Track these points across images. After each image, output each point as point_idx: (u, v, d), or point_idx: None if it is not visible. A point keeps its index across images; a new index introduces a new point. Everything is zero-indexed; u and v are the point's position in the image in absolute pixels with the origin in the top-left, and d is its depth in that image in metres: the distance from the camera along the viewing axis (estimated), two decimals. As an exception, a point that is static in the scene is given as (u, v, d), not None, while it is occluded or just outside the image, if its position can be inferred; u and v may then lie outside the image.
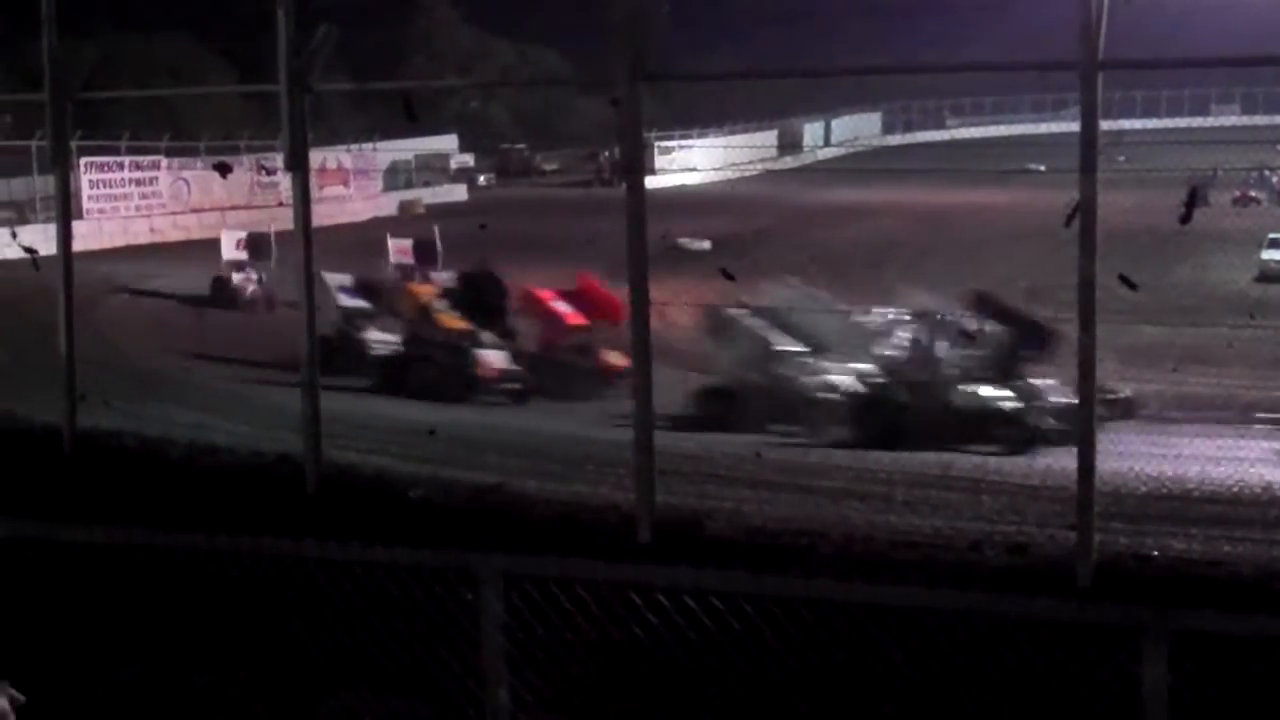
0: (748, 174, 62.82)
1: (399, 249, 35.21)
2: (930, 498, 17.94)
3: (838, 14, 62.29)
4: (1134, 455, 20.74)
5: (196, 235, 47.28)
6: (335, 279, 31.59)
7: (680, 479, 15.82)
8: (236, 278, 38.78)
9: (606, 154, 58.25)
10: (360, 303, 32.26)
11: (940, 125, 77.89)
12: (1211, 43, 52.48)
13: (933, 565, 10.21)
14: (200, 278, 38.97)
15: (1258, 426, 25.13)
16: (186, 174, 51.35)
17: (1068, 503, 11.03)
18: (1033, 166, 49.93)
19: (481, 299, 31.25)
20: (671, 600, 6.11)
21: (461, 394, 28.43)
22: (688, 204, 45.53)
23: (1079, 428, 10.12)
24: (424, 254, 34.77)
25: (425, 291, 32.37)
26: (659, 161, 57.64)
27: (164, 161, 51.32)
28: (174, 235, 48.82)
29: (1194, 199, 44.03)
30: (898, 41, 54.31)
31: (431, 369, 29.25)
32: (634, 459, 11.01)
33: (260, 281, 38.08)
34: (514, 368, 29.64)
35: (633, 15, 11.08)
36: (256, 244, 38.67)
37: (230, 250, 39.36)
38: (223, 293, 38.44)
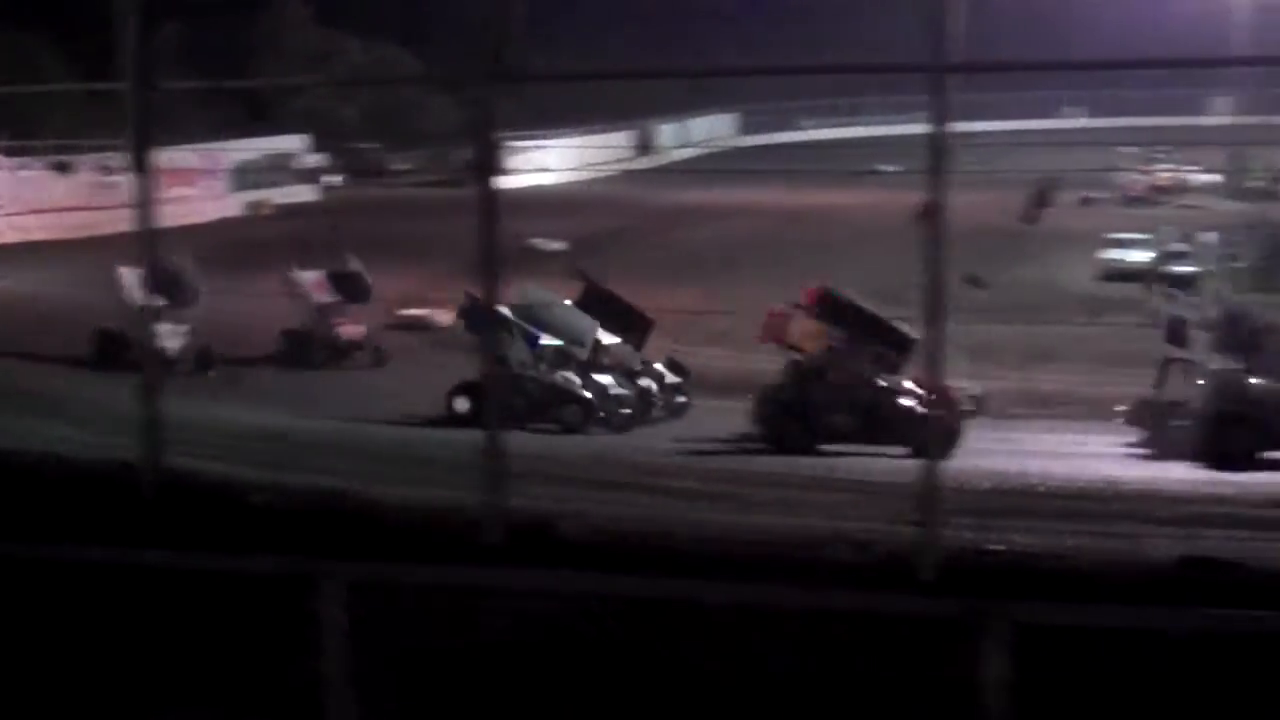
0: (604, 174, 62.85)
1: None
2: (781, 497, 18.10)
3: (698, 15, 62.68)
4: (981, 452, 21.15)
5: (37, 237, 46.01)
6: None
7: (530, 481, 15.74)
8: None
9: (459, 154, 57.79)
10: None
11: (796, 127, 78.61)
12: (1061, 47, 53.67)
13: (781, 564, 10.25)
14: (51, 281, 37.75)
15: (1100, 422, 25.75)
16: (25, 173, 49.83)
17: (916, 499, 11.16)
18: (884, 168, 50.63)
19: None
20: (522, 603, 6.04)
21: None
22: (543, 204, 45.41)
23: (926, 425, 10.23)
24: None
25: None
26: (513, 161, 57.30)
27: (2, 160, 49.77)
28: (11, 237, 47.35)
29: (1039, 200, 45.32)
30: (757, 43, 54.73)
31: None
32: (483, 461, 10.89)
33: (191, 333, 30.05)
34: None
35: (486, 13, 10.97)
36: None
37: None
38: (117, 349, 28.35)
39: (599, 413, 27.05)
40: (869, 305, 26.50)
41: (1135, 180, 57.04)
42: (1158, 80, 71.00)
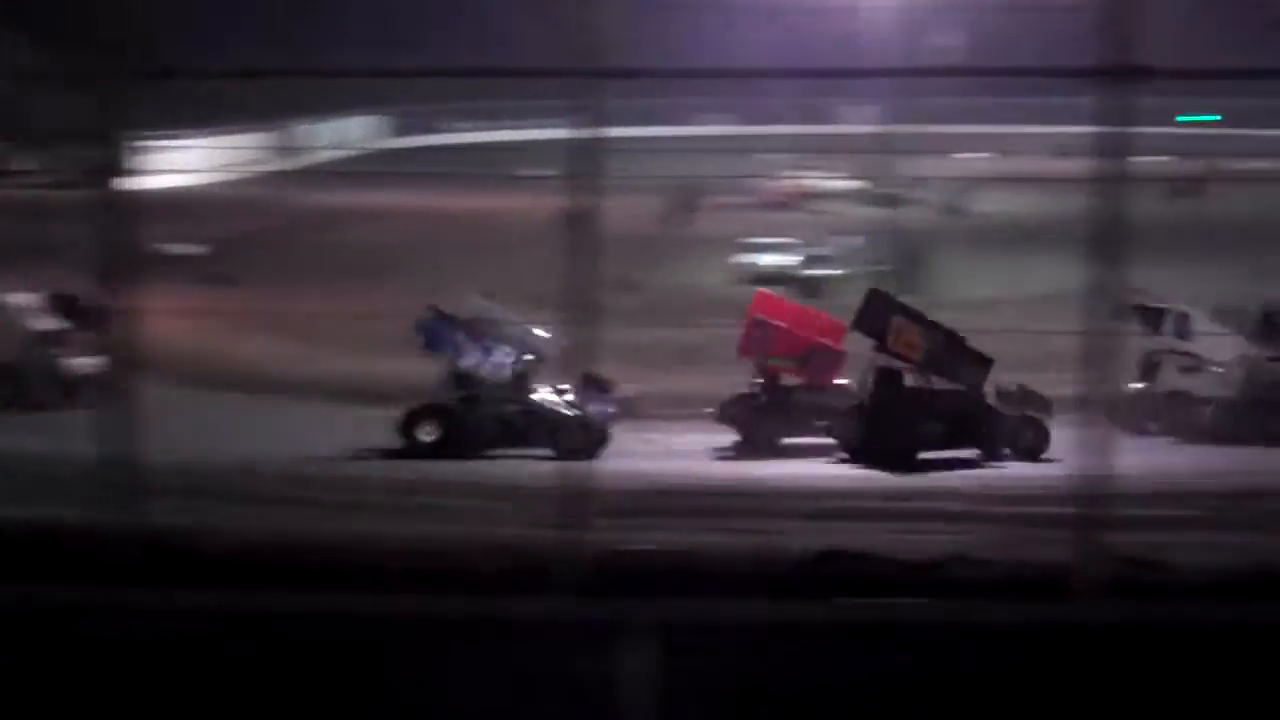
0: (247, 176, 61.04)
1: None
2: (432, 504, 17.95)
3: (348, 14, 61.61)
4: (629, 453, 21.51)
5: None
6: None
7: (172, 496, 15.11)
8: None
9: (90, 154, 54.98)
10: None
11: (448, 129, 78.18)
12: (708, 55, 55.01)
13: (438, 573, 10.14)
14: None
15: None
16: None
17: (571, 503, 11.20)
18: (536, 171, 50.84)
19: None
20: (160, 621, 5.77)
21: None
22: (180, 207, 43.72)
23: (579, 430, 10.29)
24: None
25: None
26: (149, 162, 55.03)
27: None
28: None
29: (685, 204, 46.47)
30: (408, 44, 54.12)
31: None
32: (122, 474, 10.37)
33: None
34: None
35: (119, 7, 10.44)
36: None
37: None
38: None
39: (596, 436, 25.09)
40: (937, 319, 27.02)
41: (775, 186, 59.02)
42: (800, 89, 73.91)
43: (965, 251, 44.65)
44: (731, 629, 6.60)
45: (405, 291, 33.08)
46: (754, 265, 43.26)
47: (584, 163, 9.82)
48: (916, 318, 26.77)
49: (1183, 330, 27.63)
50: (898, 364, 26.40)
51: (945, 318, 33.96)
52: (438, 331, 26.22)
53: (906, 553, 9.09)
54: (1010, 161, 61.78)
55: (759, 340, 27.62)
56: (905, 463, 24.34)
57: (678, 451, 23.70)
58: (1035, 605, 6.85)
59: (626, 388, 26.30)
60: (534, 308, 26.22)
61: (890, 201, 53.53)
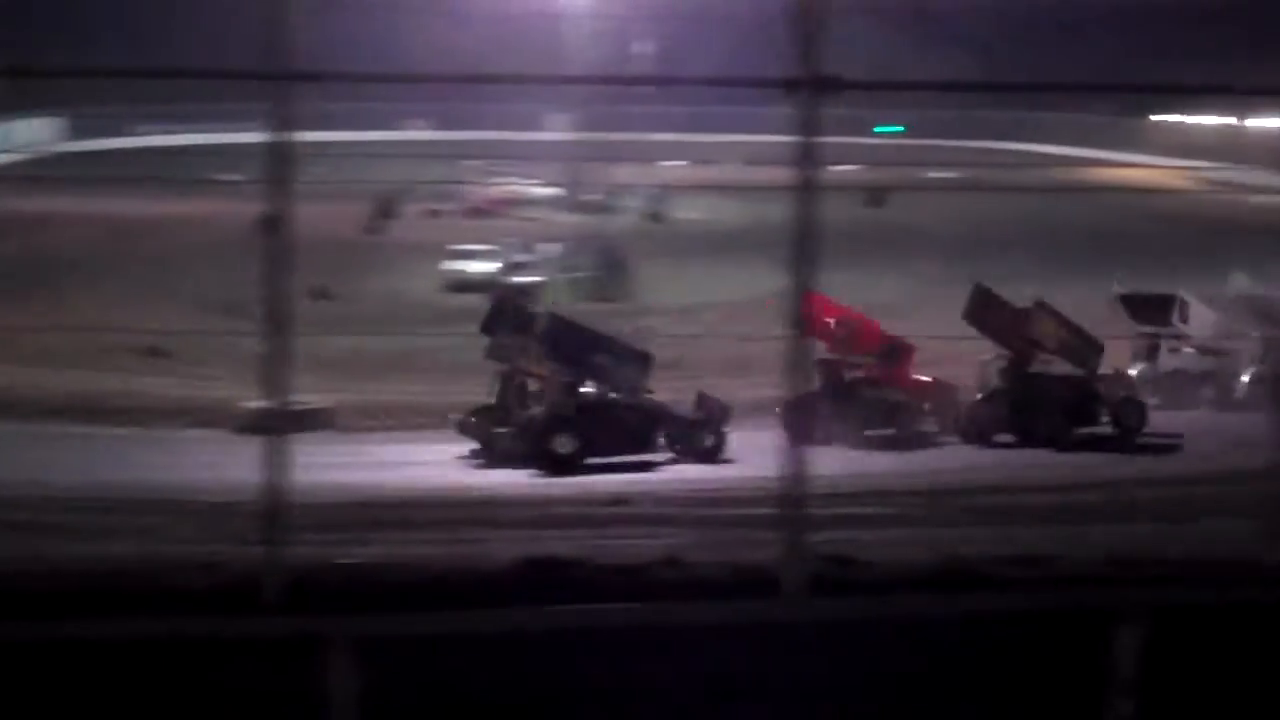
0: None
1: None
2: (126, 524, 17.18)
3: (33, 10, 58.81)
4: (330, 466, 20.99)
5: None
6: None
7: None
8: None
9: None
10: None
11: (130, 132, 75.32)
12: (407, 60, 54.40)
13: (138, 594, 9.66)
14: None
15: (446, 432, 26.30)
16: None
17: (271, 519, 10.83)
18: (228, 177, 49.37)
19: None
20: None
21: None
22: None
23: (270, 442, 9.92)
24: None
25: None
26: None
27: None
28: None
29: (383, 211, 45.90)
30: (87, 43, 51.94)
31: None
32: None
33: None
34: None
35: None
36: None
37: None
38: None
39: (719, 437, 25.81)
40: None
41: (478, 192, 58.86)
42: (502, 95, 73.97)
43: (667, 258, 45.37)
44: (435, 641, 6.43)
45: (85, 303, 31.69)
46: (458, 272, 42.97)
47: (275, 168, 9.49)
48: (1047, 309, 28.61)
49: (1183, 315, 30.73)
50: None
51: (648, 324, 34.52)
52: (560, 339, 26.06)
53: (617, 558, 9.10)
54: (710, 170, 63.18)
55: (842, 339, 27.78)
56: (1062, 444, 26.38)
57: (388, 463, 23.29)
58: (742, 605, 6.88)
59: (322, 399, 25.75)
60: (227, 315, 25.40)
61: (593, 208, 54.01)
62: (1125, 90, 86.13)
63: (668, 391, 27.07)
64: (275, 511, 9.36)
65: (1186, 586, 7.54)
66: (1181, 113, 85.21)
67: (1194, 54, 54.81)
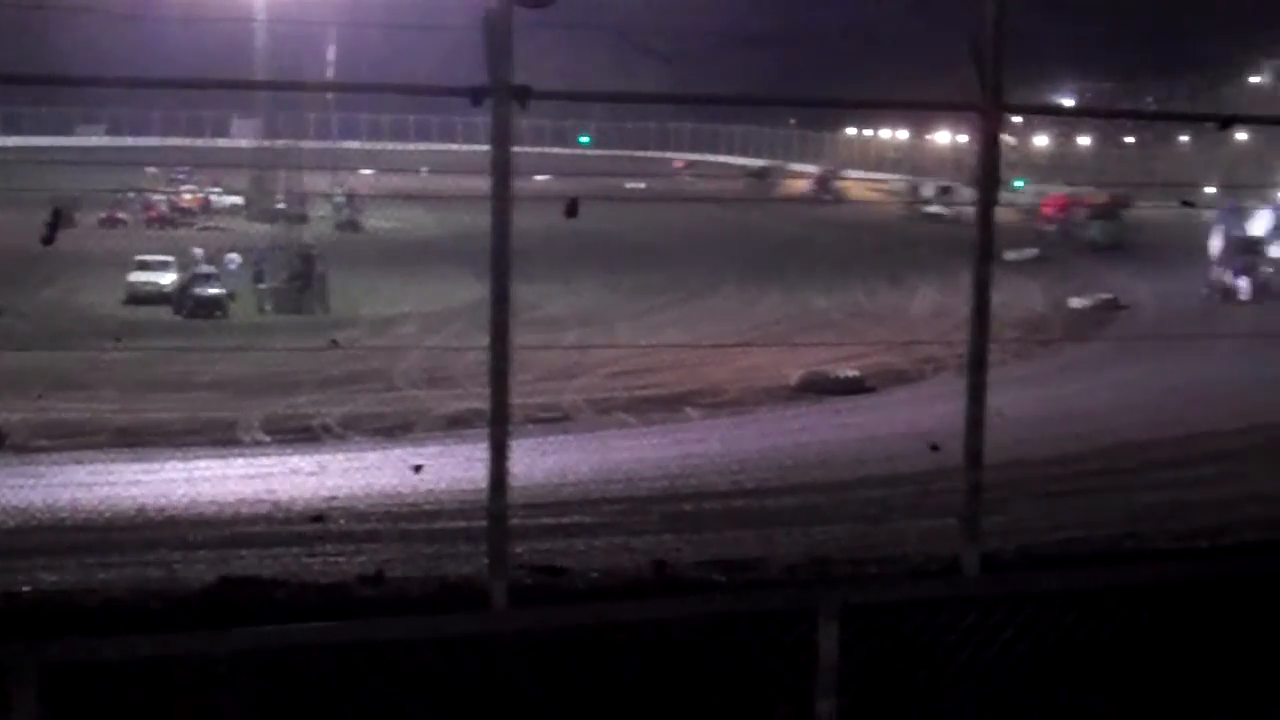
0: None
1: None
2: None
3: None
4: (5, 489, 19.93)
5: None
6: None
7: None
8: None
9: None
10: None
11: None
12: (81, 63, 52.28)
13: None
14: None
15: (136, 449, 25.28)
16: None
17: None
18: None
19: None
20: None
21: None
22: None
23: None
24: None
25: None
26: None
27: None
28: None
29: (58, 220, 43.93)
30: None
31: None
32: None
33: None
34: None
35: None
36: None
37: None
38: None
39: None
40: None
41: (158, 200, 57.00)
42: (184, 101, 71.73)
43: (363, 268, 44.81)
44: (126, 667, 6.10)
45: None
46: (142, 284, 41.45)
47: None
48: None
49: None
50: None
51: (344, 336, 33.95)
52: None
53: (319, 575, 8.83)
54: (405, 178, 62.62)
55: None
56: None
57: (67, 484, 22.13)
58: (450, 618, 6.76)
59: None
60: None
61: (284, 217, 52.96)
62: (809, 104, 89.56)
63: (370, 405, 26.72)
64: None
65: (883, 584, 7.74)
66: (868, 127, 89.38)
67: (876, 73, 57.86)
